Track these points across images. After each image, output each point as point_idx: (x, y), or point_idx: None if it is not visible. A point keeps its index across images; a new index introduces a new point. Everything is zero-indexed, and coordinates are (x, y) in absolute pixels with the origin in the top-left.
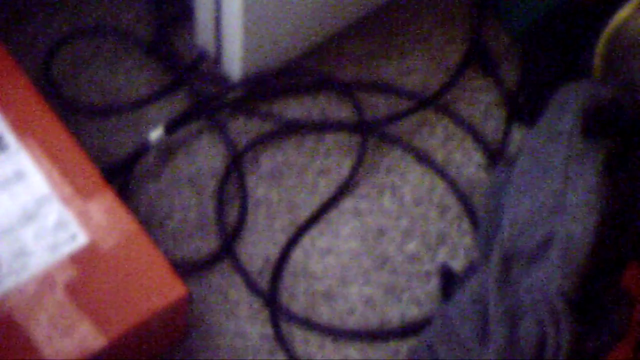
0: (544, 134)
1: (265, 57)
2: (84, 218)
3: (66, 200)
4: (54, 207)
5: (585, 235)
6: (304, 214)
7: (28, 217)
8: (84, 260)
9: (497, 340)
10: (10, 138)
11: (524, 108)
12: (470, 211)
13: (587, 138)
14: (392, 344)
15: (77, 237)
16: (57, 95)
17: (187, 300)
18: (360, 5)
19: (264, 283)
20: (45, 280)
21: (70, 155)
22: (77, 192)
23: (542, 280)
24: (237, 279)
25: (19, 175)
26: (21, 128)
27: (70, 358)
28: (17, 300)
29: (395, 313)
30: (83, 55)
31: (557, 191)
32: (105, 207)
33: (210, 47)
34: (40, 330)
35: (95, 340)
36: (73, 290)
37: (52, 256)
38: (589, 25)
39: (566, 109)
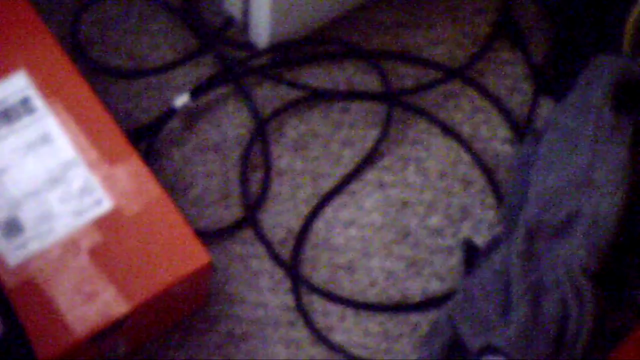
0: (573, 108)
1: (293, 24)
2: (109, 183)
3: (92, 165)
4: (80, 171)
5: (611, 212)
6: (328, 184)
7: (54, 180)
8: (109, 226)
9: (518, 316)
10: (38, 101)
11: (552, 81)
12: (494, 186)
13: (617, 113)
14: (413, 318)
15: (102, 202)
16: (84, 57)
17: (210, 268)
18: None
19: (286, 253)
20: (70, 245)
21: (96, 119)
22: (102, 157)
23: (566, 256)
24: (259, 249)
25: (46, 139)
26: (48, 91)
27: (93, 323)
28: (41, 264)
29: (417, 287)
30: (111, 17)
31: (585, 166)
32: (130, 172)
33: (238, 13)
34: (64, 295)
35: (118, 306)
36: (97, 255)
37: (76, 221)
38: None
39: (595, 83)
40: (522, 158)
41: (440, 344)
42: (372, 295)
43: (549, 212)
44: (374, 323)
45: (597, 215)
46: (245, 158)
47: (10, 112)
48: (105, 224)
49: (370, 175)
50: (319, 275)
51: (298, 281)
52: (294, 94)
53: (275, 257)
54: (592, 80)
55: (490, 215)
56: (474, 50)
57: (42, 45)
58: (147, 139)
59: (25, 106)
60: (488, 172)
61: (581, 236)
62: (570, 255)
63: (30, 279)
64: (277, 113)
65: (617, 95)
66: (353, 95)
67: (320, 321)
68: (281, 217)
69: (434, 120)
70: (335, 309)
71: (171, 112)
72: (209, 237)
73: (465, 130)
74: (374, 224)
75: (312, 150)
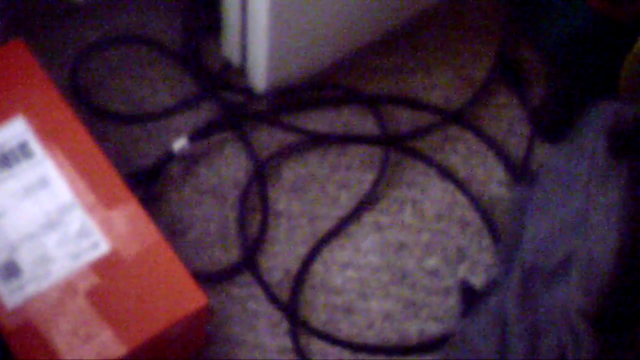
0: (568, 153)
1: (290, 69)
2: (106, 226)
3: (89, 208)
4: (77, 214)
5: (606, 255)
6: (325, 227)
7: (51, 224)
8: (106, 269)
9: (515, 359)
10: (36, 145)
11: (548, 125)
12: (491, 227)
13: (611, 158)
14: None
15: (99, 245)
16: (83, 103)
17: (207, 311)
18: (387, 20)
19: (283, 295)
20: (67, 288)
21: (94, 163)
22: (100, 200)
23: (563, 300)
24: (257, 291)
25: (43, 182)
26: (47, 135)
27: None
28: (39, 306)
29: (414, 328)
30: (110, 63)
31: (579, 210)
32: (128, 215)
33: (236, 58)
34: (61, 337)
35: (115, 348)
36: (94, 298)
37: (74, 263)
38: (615, 46)
39: (590, 128)
40: (518, 201)
41: None
42: (370, 336)
43: (544, 255)
44: None
45: (592, 258)
46: (243, 201)
47: (9, 157)
48: (103, 266)
49: (367, 217)
50: (316, 317)
51: (296, 323)
52: (291, 137)
53: (273, 299)
54: (587, 126)
55: (487, 256)
56: (470, 94)
57: (40, 90)
58: (146, 182)
59: (23, 150)
60: (484, 214)
61: (577, 278)
62: (567, 297)
63: (28, 321)
64: (274, 156)
65: (611, 141)
66: (350, 138)
67: None
68: (279, 259)
69: (430, 163)
70: (333, 350)
71: (170, 156)
72: (206, 279)
73: (462, 172)
74: (371, 265)
75: (310, 193)
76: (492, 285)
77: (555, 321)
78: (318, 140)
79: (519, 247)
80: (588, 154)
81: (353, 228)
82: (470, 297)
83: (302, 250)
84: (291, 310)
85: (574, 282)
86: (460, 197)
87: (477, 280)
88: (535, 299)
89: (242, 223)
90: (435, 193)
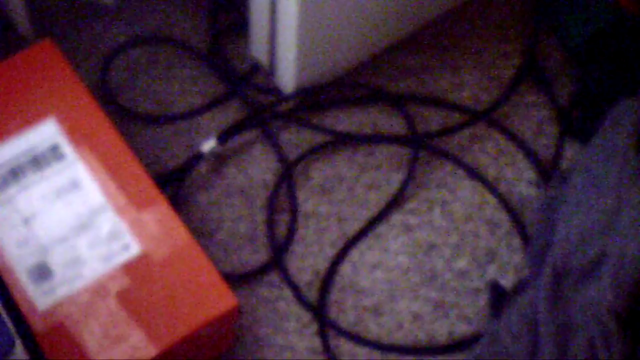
0: (598, 151)
1: (318, 69)
2: (137, 228)
3: (120, 210)
4: (108, 216)
5: (638, 254)
6: (353, 228)
7: (82, 226)
8: (137, 270)
9: (546, 358)
10: (67, 147)
11: (577, 124)
12: (520, 228)
13: None
14: None
15: (130, 247)
16: (113, 104)
17: (237, 312)
18: (414, 19)
19: (312, 296)
20: (98, 290)
21: (125, 165)
22: (131, 202)
23: (594, 299)
24: (286, 292)
25: (75, 185)
26: (78, 137)
27: None
28: (70, 308)
29: (444, 329)
30: (139, 64)
31: (611, 209)
32: (158, 217)
33: (264, 59)
34: (92, 339)
35: (146, 350)
36: (125, 299)
37: (105, 265)
38: None
39: (620, 126)
40: (548, 201)
41: None
42: (398, 337)
43: (575, 255)
44: None
45: (623, 257)
46: (271, 202)
47: (40, 159)
48: (133, 268)
49: (396, 218)
50: (345, 318)
51: (325, 324)
52: (319, 137)
53: (302, 300)
54: (617, 124)
55: (517, 257)
56: (499, 93)
57: (71, 92)
58: (175, 183)
59: (54, 153)
60: (514, 215)
61: (608, 278)
62: (598, 297)
63: (59, 323)
64: (303, 157)
65: None
66: (378, 138)
67: None
68: (307, 260)
69: (459, 163)
70: (362, 351)
71: (198, 157)
72: (235, 280)
73: (491, 172)
74: (400, 266)
75: (338, 194)
76: (522, 286)
77: (586, 321)
78: (346, 141)
79: (549, 247)
80: (619, 152)
81: (382, 229)
82: (500, 298)
83: (331, 251)
84: (320, 311)
85: (605, 282)
86: (490, 197)
87: (507, 281)
88: (566, 299)
89: (270, 224)
90: (465, 193)
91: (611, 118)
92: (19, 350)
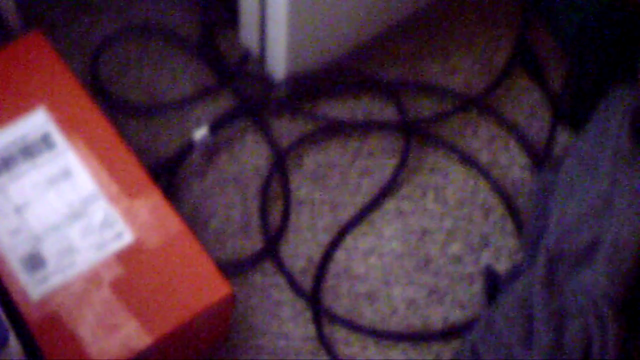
0: (591, 137)
1: (309, 57)
2: (130, 216)
3: (112, 199)
4: (101, 205)
5: (632, 238)
6: (347, 214)
7: (75, 215)
8: (130, 259)
9: (541, 344)
10: (58, 136)
11: (569, 110)
12: (514, 213)
13: (635, 141)
14: (435, 346)
15: (123, 236)
16: (104, 94)
17: (231, 300)
18: (405, 6)
19: (306, 283)
20: (92, 278)
21: (116, 153)
22: (123, 190)
23: (589, 284)
24: (280, 279)
25: (66, 174)
26: (69, 126)
27: (115, 356)
28: (64, 297)
29: (438, 315)
30: (130, 54)
31: (604, 194)
32: (151, 205)
33: (255, 48)
34: (86, 328)
35: (140, 339)
36: (119, 288)
37: (98, 254)
38: (635, 30)
39: (613, 112)
40: (541, 185)
41: None
42: (393, 324)
43: (569, 240)
44: (396, 352)
45: (617, 242)
46: (264, 189)
47: (31, 148)
48: (127, 257)
49: (390, 204)
50: (340, 304)
51: (319, 311)
52: (311, 125)
53: (296, 288)
54: (610, 110)
55: (511, 242)
56: (490, 79)
57: (61, 82)
58: (168, 172)
59: (45, 142)
60: (507, 199)
61: (602, 263)
62: (592, 282)
63: (53, 312)
64: (295, 144)
65: (634, 124)
66: (371, 125)
67: (342, 351)
68: (301, 247)
69: (452, 148)
70: (357, 338)
71: (191, 146)
72: (229, 268)
73: (484, 157)
74: (394, 252)
75: (331, 180)
76: (517, 271)
77: (580, 306)
78: (339, 128)
79: (543, 232)
80: (612, 138)
81: (375, 215)
82: (495, 283)
83: (325, 238)
84: (314, 298)
85: (599, 267)
86: (483, 183)
87: (501, 266)
88: (561, 284)
89: (264, 212)
90: (458, 179)
91: (603, 104)
92: (13, 340)
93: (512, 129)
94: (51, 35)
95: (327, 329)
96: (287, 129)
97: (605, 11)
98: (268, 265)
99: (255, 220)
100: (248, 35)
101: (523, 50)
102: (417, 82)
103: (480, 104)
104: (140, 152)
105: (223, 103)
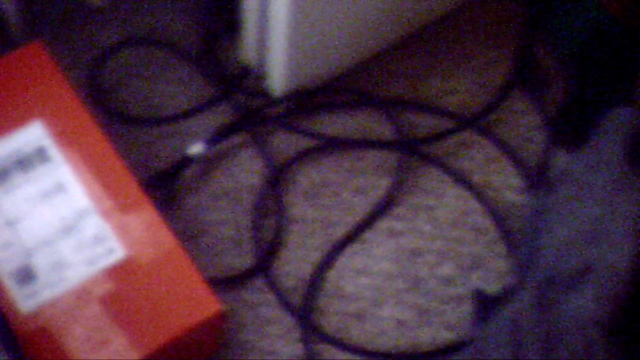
0: (586, 160)
1: (308, 74)
2: (122, 232)
3: (105, 214)
4: (93, 220)
5: (622, 264)
6: (339, 233)
7: (67, 229)
8: (121, 274)
9: None
10: (53, 150)
11: (565, 132)
12: (506, 235)
13: (629, 166)
14: None
15: (114, 251)
16: (100, 105)
17: (221, 317)
18: (404, 24)
19: (296, 302)
20: (82, 293)
21: (111, 168)
22: (116, 205)
23: (578, 309)
24: (270, 297)
25: (60, 187)
26: (64, 140)
27: None
28: (54, 312)
29: (427, 336)
30: (128, 66)
31: (597, 218)
32: (143, 221)
33: (254, 62)
34: (76, 343)
35: (129, 354)
36: (109, 304)
37: (89, 269)
38: (633, 52)
39: (609, 136)
40: (534, 208)
41: None
42: (382, 344)
43: (560, 264)
44: None
45: (607, 267)
46: (258, 206)
47: (25, 162)
48: (118, 272)
49: (382, 223)
50: (329, 323)
51: (308, 329)
52: (307, 142)
53: (286, 305)
54: (605, 133)
55: (501, 264)
56: (487, 100)
57: (58, 95)
58: (162, 186)
59: (40, 155)
60: (499, 222)
61: (592, 289)
62: (581, 308)
63: (43, 326)
64: (290, 161)
65: (630, 149)
66: (366, 143)
67: None
68: (292, 265)
69: (446, 169)
70: (345, 357)
71: (186, 161)
72: (220, 284)
73: (477, 179)
74: (384, 272)
75: (324, 199)
76: (507, 294)
77: (570, 331)
78: (334, 145)
79: (534, 255)
80: (606, 162)
81: (367, 234)
82: (484, 306)
83: (316, 256)
84: (304, 316)
85: (589, 291)
86: (476, 204)
87: (491, 289)
88: (551, 308)
89: (256, 228)
90: (450, 200)
91: (600, 128)
92: (2, 353)
93: (507, 150)
94: (53, 45)
95: (316, 347)
96: (282, 145)
97: (604, 30)
98: (259, 283)
99: (247, 237)
100: (248, 50)
101: (520, 71)
102: (413, 101)
103: (475, 124)
104: (136, 165)
105: (220, 117)
